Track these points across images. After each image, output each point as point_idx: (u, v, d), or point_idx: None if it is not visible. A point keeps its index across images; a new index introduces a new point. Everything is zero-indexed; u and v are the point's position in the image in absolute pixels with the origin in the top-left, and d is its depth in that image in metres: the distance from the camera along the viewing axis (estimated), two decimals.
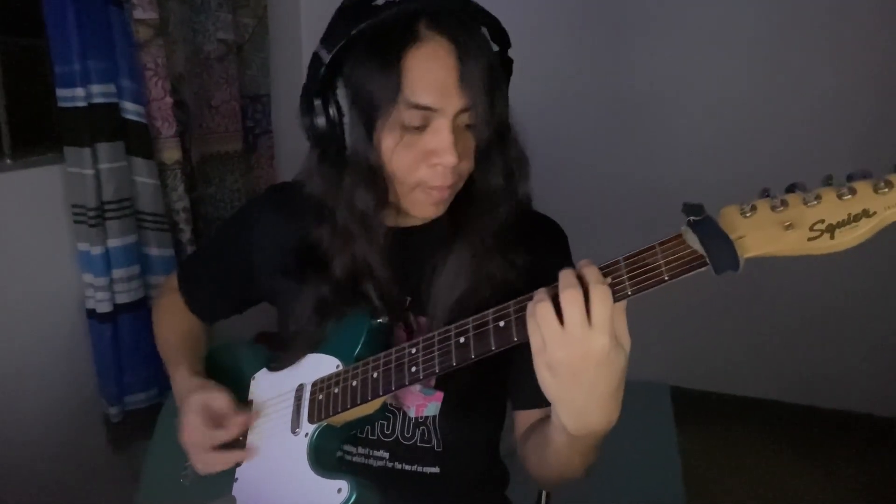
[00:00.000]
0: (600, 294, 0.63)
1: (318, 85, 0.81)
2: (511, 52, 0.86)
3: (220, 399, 0.92)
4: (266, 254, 0.99)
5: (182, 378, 0.99)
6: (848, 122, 2.23)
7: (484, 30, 0.82)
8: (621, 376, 0.66)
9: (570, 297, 0.63)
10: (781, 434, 2.43)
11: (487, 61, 0.80)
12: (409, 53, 0.77)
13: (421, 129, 0.79)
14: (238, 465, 0.94)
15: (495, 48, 0.84)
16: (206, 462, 0.92)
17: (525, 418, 0.93)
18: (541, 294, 0.66)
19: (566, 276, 0.65)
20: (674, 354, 2.55)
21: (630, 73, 2.38)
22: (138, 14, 1.53)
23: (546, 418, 0.80)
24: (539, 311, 0.64)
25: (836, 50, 2.20)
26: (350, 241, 0.87)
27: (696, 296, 2.42)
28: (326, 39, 0.81)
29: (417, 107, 0.78)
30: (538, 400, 0.77)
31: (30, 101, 1.63)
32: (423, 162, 0.81)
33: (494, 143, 0.84)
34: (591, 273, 0.64)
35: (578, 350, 0.63)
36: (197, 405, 0.92)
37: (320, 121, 0.83)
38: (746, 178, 2.18)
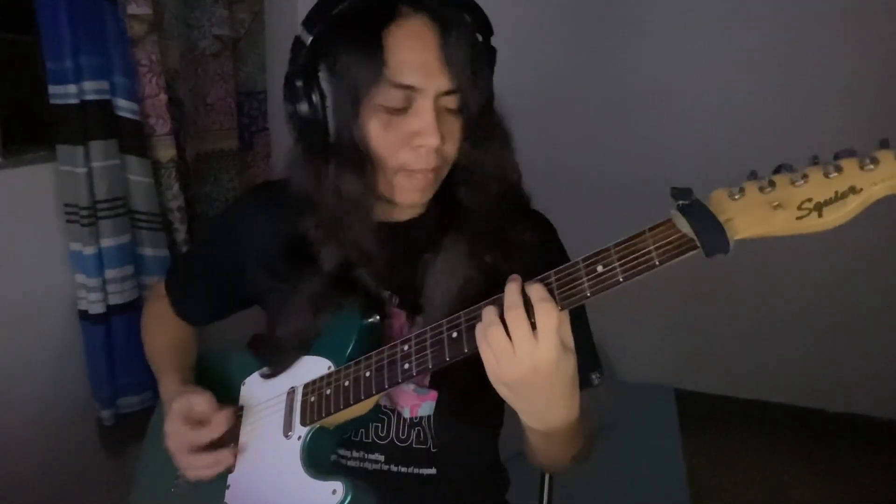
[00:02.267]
0: (544, 312, 0.66)
1: (301, 69, 0.80)
2: (511, 50, 0.86)
3: (200, 400, 0.91)
4: (253, 254, 0.98)
5: (168, 385, 0.98)
6: (853, 119, 2.19)
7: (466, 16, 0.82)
8: (572, 378, 0.71)
9: (515, 317, 0.67)
10: (788, 438, 2.40)
11: (471, 42, 0.79)
12: (390, 32, 0.76)
13: (403, 110, 0.79)
14: (229, 471, 0.92)
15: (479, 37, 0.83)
16: (193, 465, 0.91)
17: None
18: (490, 315, 0.69)
19: (510, 295, 0.69)
20: (678, 357, 2.53)
21: (631, 69, 2.36)
22: (132, 9, 1.51)
23: None
24: (490, 333, 0.68)
25: (842, 46, 2.17)
26: (339, 230, 0.86)
27: (700, 298, 2.40)
28: (307, 22, 0.81)
29: (399, 86, 0.77)
30: None
31: (21, 99, 1.61)
32: (406, 144, 0.80)
33: (478, 128, 0.83)
34: (535, 291, 0.68)
35: (528, 365, 0.67)
36: (178, 409, 0.91)
37: (303, 107, 0.81)
38: (746, 167, 2.17)
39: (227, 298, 1.07)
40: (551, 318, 0.66)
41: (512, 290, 0.69)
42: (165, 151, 1.63)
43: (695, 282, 2.19)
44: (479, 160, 0.85)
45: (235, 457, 0.92)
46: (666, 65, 2.32)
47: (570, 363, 0.70)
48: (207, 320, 1.12)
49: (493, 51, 0.85)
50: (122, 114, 1.52)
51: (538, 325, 0.66)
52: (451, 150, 0.83)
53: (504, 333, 0.68)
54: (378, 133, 0.80)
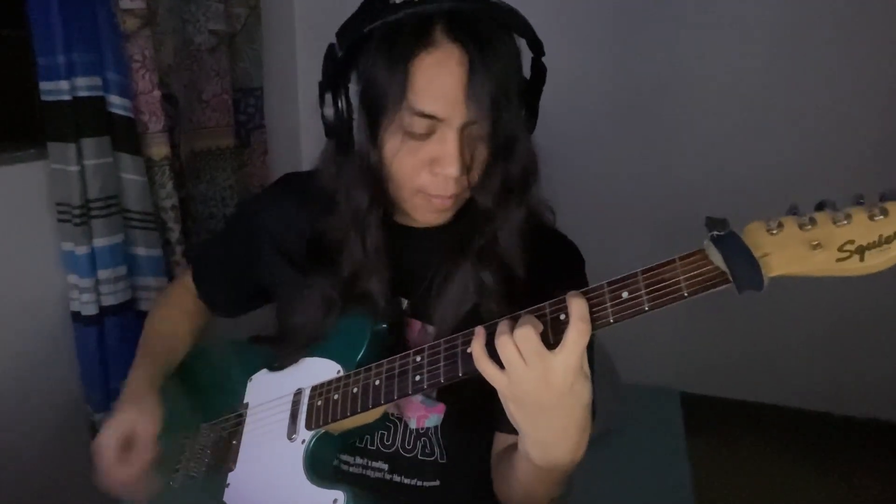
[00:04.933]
0: (577, 332, 0.64)
1: (331, 77, 0.80)
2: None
3: (148, 427, 0.91)
4: (272, 242, 0.97)
5: (140, 381, 0.97)
6: (867, 119, 2.17)
7: (516, 37, 0.79)
8: (586, 408, 0.69)
9: (526, 331, 0.65)
10: (795, 442, 2.39)
11: (503, 73, 0.76)
12: (418, 58, 0.74)
13: (426, 135, 0.77)
14: (230, 469, 0.91)
15: (529, 54, 0.81)
16: (105, 473, 0.91)
17: (503, 440, 0.91)
18: (503, 327, 0.68)
19: (526, 312, 0.69)
20: (684, 359, 2.51)
21: (643, 71, 2.31)
22: (125, 4, 1.48)
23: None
24: (500, 343, 0.66)
25: (855, 45, 2.14)
26: (348, 236, 0.86)
27: (706, 300, 2.37)
28: (342, 33, 0.79)
29: (422, 114, 0.75)
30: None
31: (11, 95, 1.57)
32: (426, 169, 0.79)
33: (503, 156, 0.81)
34: (577, 306, 0.65)
35: (539, 372, 0.65)
36: (125, 418, 0.91)
37: (329, 113, 0.81)
38: (764, 177, 2.15)
39: (244, 285, 1.05)
40: (584, 337, 0.64)
41: (529, 312, 0.68)
42: (159, 149, 1.60)
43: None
44: (505, 185, 0.82)
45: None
46: (681, 66, 2.27)
47: (585, 388, 0.68)
48: (227, 307, 1.11)
49: (542, 70, 0.83)
50: (114, 111, 1.49)
51: (567, 339, 0.64)
52: (474, 177, 0.81)
53: (514, 345, 0.66)
54: (399, 154, 0.79)
